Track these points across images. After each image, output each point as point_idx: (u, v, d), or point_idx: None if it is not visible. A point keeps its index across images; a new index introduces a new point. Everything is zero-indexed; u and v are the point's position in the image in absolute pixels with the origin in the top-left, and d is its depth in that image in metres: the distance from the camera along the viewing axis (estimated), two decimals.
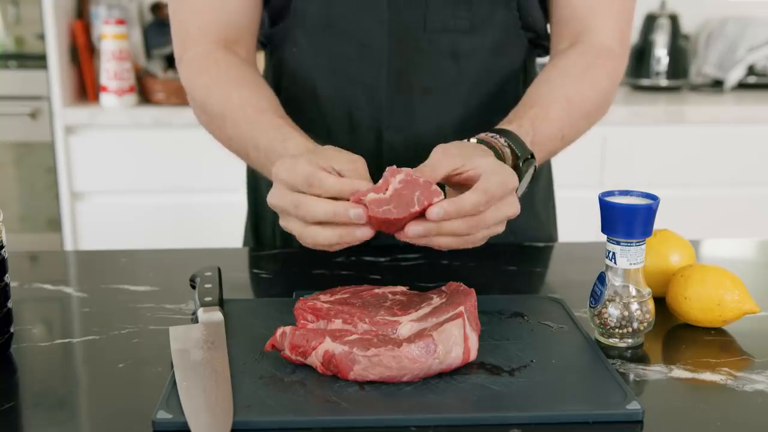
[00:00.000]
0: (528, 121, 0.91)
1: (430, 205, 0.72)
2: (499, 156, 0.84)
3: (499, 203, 0.75)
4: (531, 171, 0.89)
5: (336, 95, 1.07)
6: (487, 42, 1.06)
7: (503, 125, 0.90)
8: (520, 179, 0.87)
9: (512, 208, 0.77)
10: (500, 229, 0.77)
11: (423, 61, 1.04)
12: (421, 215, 0.73)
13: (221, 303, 0.85)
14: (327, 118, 1.08)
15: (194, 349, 0.76)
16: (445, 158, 0.77)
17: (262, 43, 1.14)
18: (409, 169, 0.75)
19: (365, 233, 0.73)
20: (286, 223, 0.77)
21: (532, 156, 0.89)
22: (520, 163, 0.87)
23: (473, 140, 0.86)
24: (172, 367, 0.73)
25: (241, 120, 0.95)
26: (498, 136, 0.87)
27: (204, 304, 0.84)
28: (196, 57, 1.03)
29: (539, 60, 1.16)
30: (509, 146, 0.86)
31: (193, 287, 0.90)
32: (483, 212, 0.74)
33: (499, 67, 1.08)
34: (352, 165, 0.78)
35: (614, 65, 1.04)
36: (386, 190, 0.73)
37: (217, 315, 0.82)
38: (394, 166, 0.75)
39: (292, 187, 0.75)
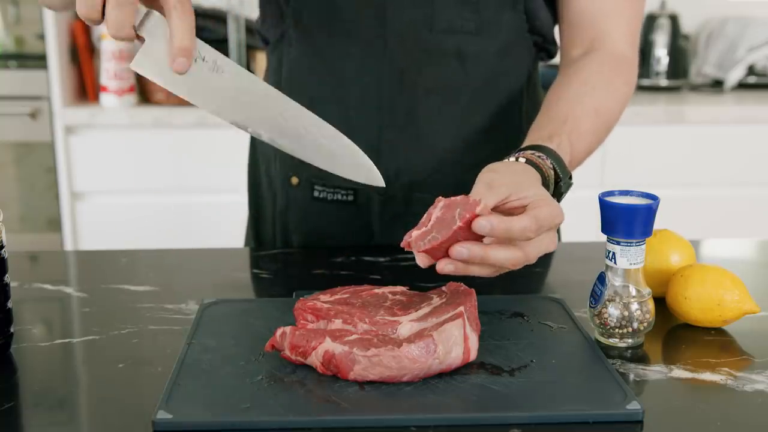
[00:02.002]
0: (566, 138, 0.91)
1: (473, 216, 0.71)
2: (545, 178, 0.84)
3: (543, 235, 0.74)
4: (568, 192, 0.89)
5: (333, 94, 1.07)
6: (493, 44, 1.05)
7: (543, 142, 0.89)
8: (559, 200, 0.88)
9: (552, 244, 0.76)
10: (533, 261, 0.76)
11: (428, 61, 1.04)
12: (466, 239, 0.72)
13: None
14: (325, 116, 1.08)
15: None
16: (489, 192, 0.76)
17: (264, 41, 1.15)
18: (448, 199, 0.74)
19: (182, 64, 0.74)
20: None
21: (570, 177, 0.89)
22: (561, 184, 0.87)
23: (522, 159, 0.85)
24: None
25: None
26: (545, 156, 0.86)
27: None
28: None
29: (542, 63, 1.16)
30: (553, 168, 0.86)
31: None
32: (530, 240, 0.73)
33: (505, 70, 1.08)
34: None
35: (631, 74, 1.05)
36: (429, 222, 0.73)
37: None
38: (440, 197, 0.75)
39: None
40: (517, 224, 0.71)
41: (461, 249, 0.71)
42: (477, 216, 0.71)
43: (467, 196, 0.73)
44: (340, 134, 0.79)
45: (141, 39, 0.76)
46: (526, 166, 0.83)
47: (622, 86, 1.03)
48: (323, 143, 0.79)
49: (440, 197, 0.75)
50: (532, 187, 0.78)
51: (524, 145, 0.90)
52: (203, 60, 0.76)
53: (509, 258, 0.72)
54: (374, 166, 0.79)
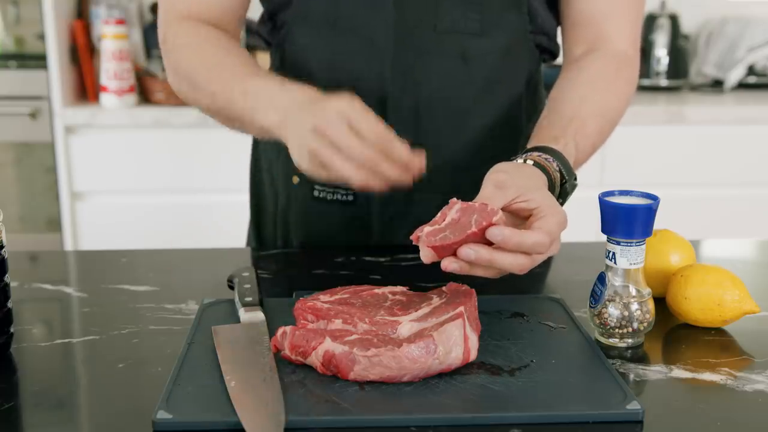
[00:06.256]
0: (571, 139, 0.92)
1: (489, 225, 0.72)
2: (551, 180, 0.85)
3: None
4: (573, 192, 0.90)
5: (338, 93, 1.07)
6: (497, 44, 1.05)
7: (550, 143, 0.90)
8: (564, 200, 0.89)
9: (557, 247, 0.77)
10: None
11: (431, 61, 1.04)
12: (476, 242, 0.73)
13: (261, 303, 0.86)
14: None
15: (239, 349, 0.76)
16: (498, 192, 0.77)
17: (266, 41, 1.14)
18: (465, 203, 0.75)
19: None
20: (318, 146, 0.79)
21: (575, 178, 0.90)
22: (567, 186, 0.88)
23: (529, 162, 0.85)
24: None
25: (229, 70, 0.94)
26: (551, 159, 0.87)
27: (245, 305, 0.84)
28: (179, 30, 1.03)
29: (545, 64, 1.16)
30: (559, 170, 0.87)
31: (231, 288, 0.91)
32: (541, 254, 0.74)
33: (508, 70, 1.08)
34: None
35: (633, 72, 1.06)
36: (443, 221, 0.74)
37: (258, 315, 0.83)
38: (455, 199, 0.76)
39: (342, 115, 0.79)
40: (529, 239, 0.73)
41: (468, 251, 0.72)
42: (493, 224, 0.72)
43: (485, 204, 0.74)
44: None
45: None
46: (534, 169, 0.84)
47: (625, 85, 1.04)
48: None
49: (456, 199, 0.76)
50: (538, 189, 0.79)
51: (530, 145, 0.91)
52: None
53: (515, 264, 0.74)
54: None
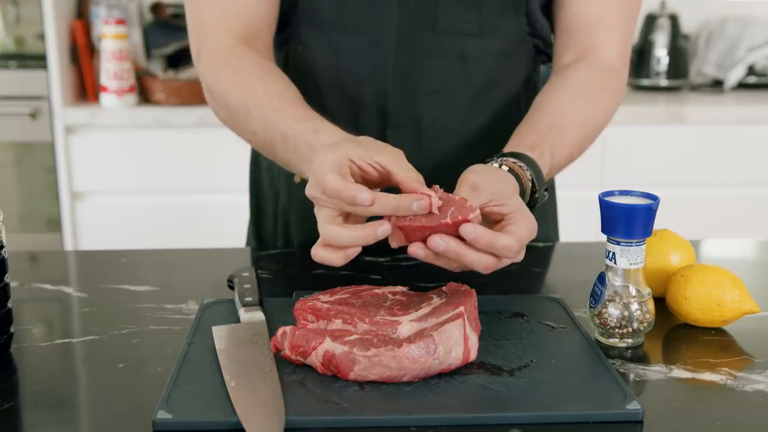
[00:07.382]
0: (548, 148, 0.92)
1: (464, 220, 0.72)
2: (523, 188, 0.85)
3: None
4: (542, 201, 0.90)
5: (342, 93, 1.07)
6: (494, 46, 1.06)
7: (526, 150, 0.90)
8: (531, 209, 0.88)
9: (521, 256, 0.77)
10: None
11: (430, 62, 1.04)
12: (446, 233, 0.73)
13: (261, 303, 0.86)
14: (333, 117, 1.08)
15: (239, 349, 0.76)
16: (473, 194, 0.77)
17: None
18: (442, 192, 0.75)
19: (386, 231, 0.74)
20: (318, 212, 0.79)
21: (546, 189, 0.90)
22: (537, 196, 0.88)
23: (504, 167, 0.85)
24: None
25: (268, 112, 0.92)
26: (525, 167, 0.87)
27: (245, 304, 0.84)
28: (216, 51, 1.00)
29: (543, 66, 1.16)
30: (532, 180, 0.87)
31: (231, 288, 0.91)
32: (508, 258, 0.74)
33: (505, 72, 1.08)
34: (393, 158, 0.77)
35: (619, 84, 1.05)
36: None
37: (258, 315, 0.83)
38: (436, 186, 0.76)
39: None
40: (500, 242, 0.73)
41: (439, 241, 0.72)
42: (468, 221, 0.72)
43: (465, 199, 0.74)
44: None
45: None
46: (508, 174, 0.84)
47: (609, 97, 1.03)
48: None
49: (437, 186, 0.76)
50: (512, 196, 0.79)
51: (507, 150, 0.90)
52: None
53: (481, 262, 0.74)
54: None
